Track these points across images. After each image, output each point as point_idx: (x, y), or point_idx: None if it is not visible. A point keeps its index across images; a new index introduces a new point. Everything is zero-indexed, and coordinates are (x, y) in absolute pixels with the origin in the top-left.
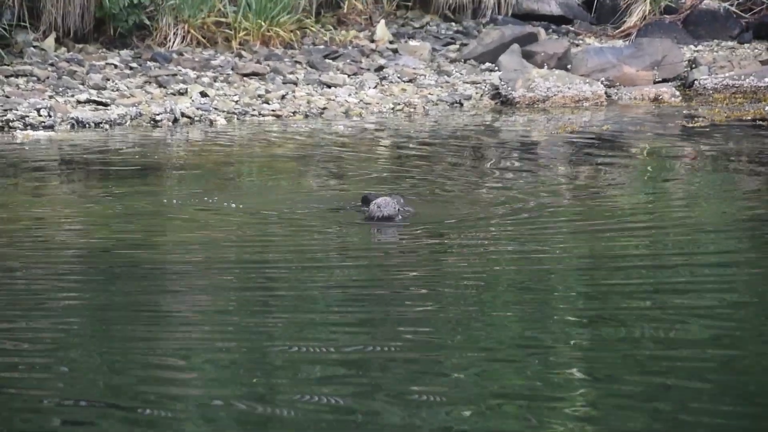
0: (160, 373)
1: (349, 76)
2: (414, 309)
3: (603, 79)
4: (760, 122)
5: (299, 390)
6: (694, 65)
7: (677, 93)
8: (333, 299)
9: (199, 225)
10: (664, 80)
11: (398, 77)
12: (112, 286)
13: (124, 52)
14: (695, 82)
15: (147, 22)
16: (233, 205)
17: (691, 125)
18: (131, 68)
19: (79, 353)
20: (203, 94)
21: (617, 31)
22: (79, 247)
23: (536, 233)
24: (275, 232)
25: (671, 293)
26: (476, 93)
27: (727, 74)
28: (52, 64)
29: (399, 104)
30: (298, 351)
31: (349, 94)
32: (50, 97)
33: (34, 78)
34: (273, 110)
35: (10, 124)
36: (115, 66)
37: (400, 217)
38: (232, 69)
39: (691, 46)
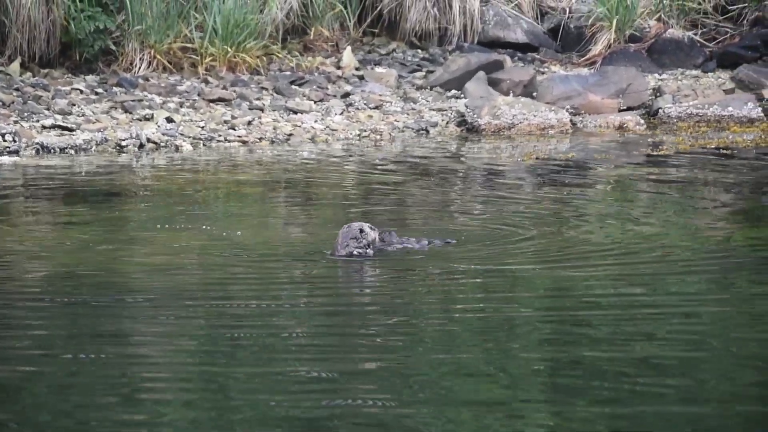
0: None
1: (315, 102)
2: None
3: (568, 106)
4: (724, 151)
5: None
6: (658, 94)
7: (642, 121)
8: (297, 329)
9: (164, 251)
10: (629, 108)
11: (364, 104)
12: (76, 314)
13: (90, 78)
14: (660, 110)
15: (113, 47)
16: (198, 231)
17: (655, 153)
18: (97, 93)
19: (38, 386)
20: (169, 120)
21: (582, 59)
22: (43, 273)
23: (500, 263)
24: (240, 259)
25: (635, 321)
26: (442, 120)
27: (691, 103)
28: (17, 89)
29: (365, 131)
30: (260, 396)
31: (316, 121)
32: (15, 122)
33: None
34: (239, 136)
35: None
36: (81, 91)
37: (364, 251)
38: (199, 95)
39: (656, 75)
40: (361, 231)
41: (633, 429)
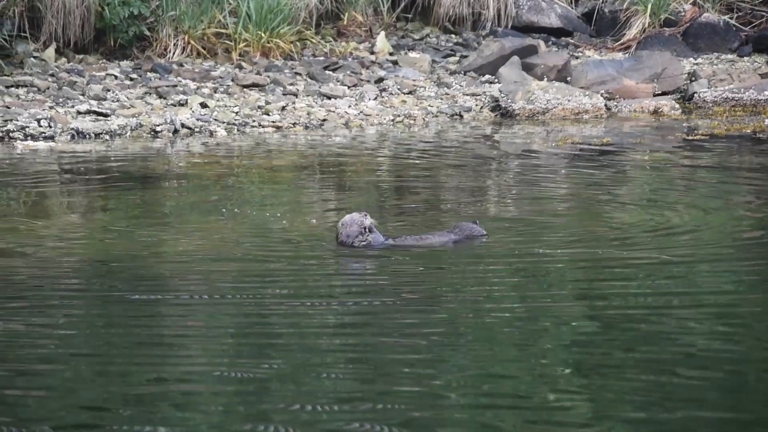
0: (158, 389)
1: (349, 87)
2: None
3: (603, 91)
4: (760, 135)
5: (297, 416)
6: (693, 78)
7: (677, 106)
8: (329, 313)
9: (198, 236)
10: (664, 93)
11: (398, 89)
12: (111, 298)
13: (125, 63)
14: (695, 95)
15: (147, 33)
16: (232, 216)
17: (690, 138)
18: (131, 79)
19: (76, 368)
20: (203, 105)
21: (617, 43)
22: (78, 258)
23: (534, 249)
24: (274, 245)
25: (672, 309)
26: (476, 105)
27: (726, 87)
28: (52, 75)
29: (399, 116)
30: (296, 366)
31: (349, 106)
32: (50, 107)
33: (35, 88)
34: (273, 121)
35: (11, 134)
36: (116, 77)
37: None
38: (232, 80)
39: (691, 59)
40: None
41: (669, 421)
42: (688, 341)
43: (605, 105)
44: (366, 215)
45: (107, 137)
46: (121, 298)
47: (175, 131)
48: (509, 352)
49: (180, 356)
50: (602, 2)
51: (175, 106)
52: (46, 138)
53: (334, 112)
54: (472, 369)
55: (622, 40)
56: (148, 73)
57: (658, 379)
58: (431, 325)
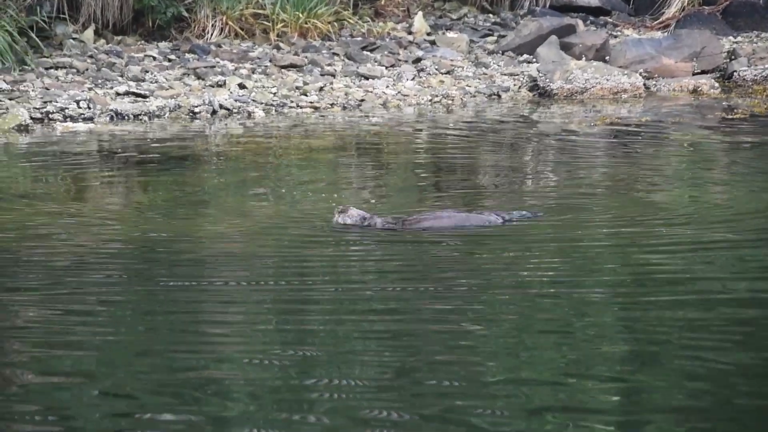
0: (194, 374)
1: (386, 68)
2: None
3: (641, 70)
4: None
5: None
6: (733, 57)
7: (716, 84)
8: (366, 296)
9: (237, 217)
10: (703, 72)
11: (436, 69)
12: (151, 278)
13: (163, 44)
14: (734, 73)
15: (185, 14)
16: (270, 197)
17: (730, 117)
18: (170, 60)
19: (116, 347)
20: (241, 86)
21: (656, 22)
22: (117, 240)
23: (574, 229)
24: (311, 226)
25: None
26: (514, 85)
27: (766, 65)
28: (91, 56)
29: (437, 96)
30: (334, 353)
31: (387, 86)
32: (89, 89)
33: (74, 70)
34: (311, 102)
35: (50, 116)
36: (154, 58)
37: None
38: (270, 61)
39: (730, 38)
40: (364, 218)
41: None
42: (731, 326)
43: (644, 84)
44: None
45: (146, 118)
46: (159, 280)
47: (214, 112)
48: (548, 338)
49: (216, 341)
50: None
51: (213, 87)
52: (85, 119)
53: (371, 92)
54: (510, 354)
55: (660, 19)
56: (187, 54)
57: (701, 366)
58: (470, 309)
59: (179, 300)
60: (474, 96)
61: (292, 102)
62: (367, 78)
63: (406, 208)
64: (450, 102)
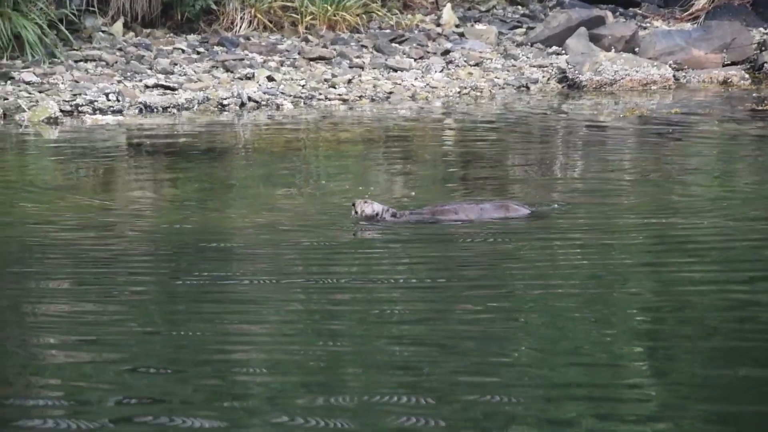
0: (219, 356)
1: (415, 60)
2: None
3: (671, 62)
4: None
5: (365, 380)
6: (763, 48)
7: (746, 76)
8: (394, 288)
9: (265, 209)
10: (733, 63)
11: (465, 61)
12: (179, 269)
13: (192, 37)
14: (765, 64)
15: (214, 6)
16: (299, 190)
17: (760, 108)
18: (198, 53)
19: (144, 337)
20: (270, 79)
21: (685, 13)
22: (147, 231)
23: (603, 220)
24: (341, 218)
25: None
26: (543, 77)
27: None
28: (120, 49)
29: (465, 88)
30: (364, 348)
31: (416, 78)
32: (118, 81)
33: (103, 63)
34: (339, 94)
35: (80, 108)
36: (183, 51)
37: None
38: (299, 53)
39: (761, 29)
40: (376, 213)
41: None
42: (764, 321)
43: (673, 75)
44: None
45: (174, 111)
46: (187, 273)
47: (242, 105)
48: (577, 330)
49: (243, 337)
50: None
51: (241, 79)
52: (114, 112)
53: (400, 84)
54: (539, 346)
55: (690, 10)
56: (215, 47)
57: (730, 359)
58: (499, 299)
59: (207, 295)
60: (503, 88)
61: (320, 94)
62: (395, 70)
63: (435, 200)
64: (478, 94)
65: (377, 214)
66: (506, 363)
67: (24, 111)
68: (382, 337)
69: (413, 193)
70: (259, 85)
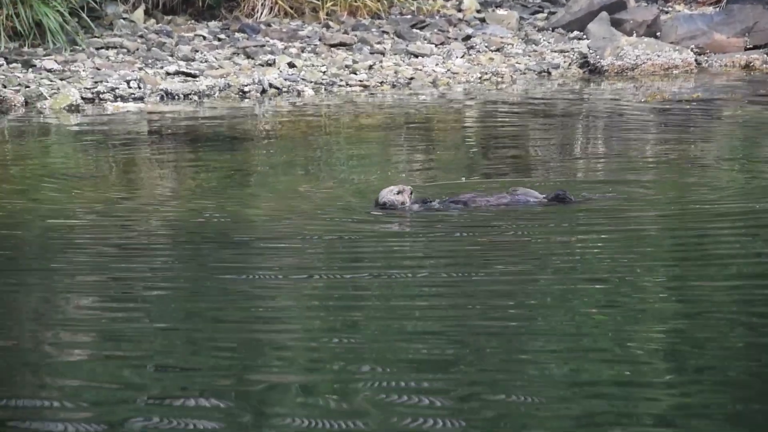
0: (242, 346)
1: (436, 45)
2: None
3: (693, 46)
4: None
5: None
6: None
7: None
8: (414, 279)
9: (289, 197)
10: (756, 47)
11: (486, 46)
12: (201, 257)
13: (213, 24)
14: None
15: None
16: (321, 177)
17: None
18: (219, 40)
19: (161, 323)
20: (291, 65)
21: None
22: (168, 218)
23: (625, 207)
24: (360, 205)
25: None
26: (564, 62)
27: None
28: (141, 36)
29: (486, 74)
30: (383, 345)
31: (437, 64)
32: (140, 68)
33: (124, 50)
34: (360, 80)
35: (101, 96)
36: (204, 37)
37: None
38: (320, 39)
39: None
40: (385, 204)
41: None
42: None
43: (695, 60)
44: (402, 190)
45: (196, 98)
46: (209, 263)
47: (263, 91)
48: (597, 322)
49: (264, 323)
50: None
51: (262, 66)
52: (135, 99)
53: (421, 70)
54: (558, 341)
55: None
56: (236, 34)
57: (755, 347)
58: (520, 291)
59: (229, 286)
60: (524, 73)
61: (341, 81)
62: (416, 56)
63: (458, 187)
64: (500, 79)
65: (399, 203)
66: (526, 361)
67: (45, 98)
68: (402, 332)
69: (434, 179)
70: (280, 71)
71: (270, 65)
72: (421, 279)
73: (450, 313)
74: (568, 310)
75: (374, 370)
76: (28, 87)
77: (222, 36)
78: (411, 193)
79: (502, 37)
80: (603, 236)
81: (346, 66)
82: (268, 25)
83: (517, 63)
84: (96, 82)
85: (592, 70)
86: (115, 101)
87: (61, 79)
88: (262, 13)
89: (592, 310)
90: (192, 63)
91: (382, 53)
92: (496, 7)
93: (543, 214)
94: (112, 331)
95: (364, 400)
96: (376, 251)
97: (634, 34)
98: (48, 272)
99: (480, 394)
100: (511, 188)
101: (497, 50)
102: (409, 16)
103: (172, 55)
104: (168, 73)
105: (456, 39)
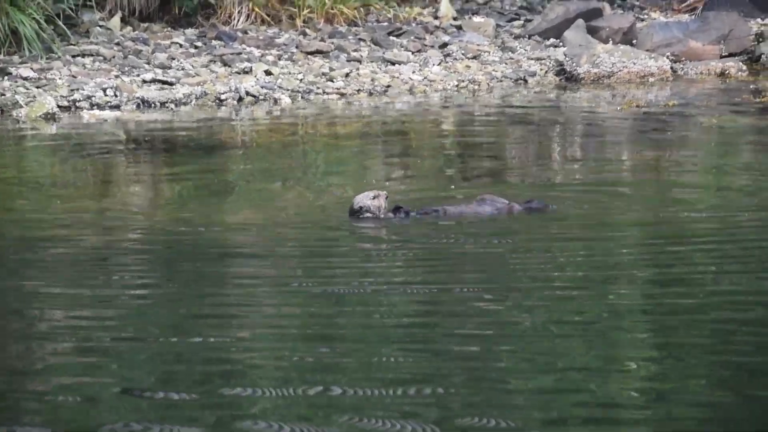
0: (218, 358)
1: (413, 53)
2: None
3: (668, 53)
4: None
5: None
6: (761, 39)
7: (744, 67)
8: (390, 289)
9: (263, 205)
10: (731, 54)
11: (462, 54)
12: (175, 265)
13: (189, 31)
14: (762, 56)
15: (212, 0)
16: (297, 185)
17: (758, 100)
18: (196, 47)
19: (137, 335)
20: (267, 73)
21: (683, 5)
22: (144, 226)
23: (601, 215)
24: (339, 214)
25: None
26: (541, 69)
27: None
28: (117, 44)
29: (463, 81)
30: (361, 346)
31: (413, 72)
32: (116, 76)
33: (101, 58)
34: (337, 88)
35: (77, 104)
36: (180, 45)
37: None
38: (297, 47)
39: (758, 20)
40: (361, 208)
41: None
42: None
43: (671, 67)
44: (377, 195)
45: (172, 106)
46: (185, 268)
47: (240, 99)
48: (580, 335)
49: (241, 335)
50: None
51: (239, 73)
52: (112, 107)
53: (398, 78)
54: (536, 343)
55: (688, 2)
56: (213, 41)
57: (730, 363)
58: (497, 299)
59: (204, 297)
60: (500, 81)
61: (318, 88)
62: (393, 63)
63: (434, 195)
64: (476, 87)
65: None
66: (507, 371)
67: (21, 107)
68: (381, 344)
69: (411, 188)
70: (257, 79)
71: (247, 73)
72: (396, 291)
73: (429, 325)
74: (546, 319)
75: (349, 387)
76: (4, 95)
77: (198, 43)
78: (386, 198)
79: (478, 45)
80: (577, 243)
81: (323, 74)
82: (245, 32)
83: (493, 71)
84: (72, 90)
85: (568, 78)
86: (92, 109)
87: (37, 87)
88: (238, 21)
89: (569, 324)
90: (168, 71)
91: (359, 61)
92: (473, 14)
93: (517, 223)
94: (85, 344)
95: (339, 417)
96: (351, 262)
97: (610, 42)
98: (21, 278)
99: (456, 417)
100: (479, 196)
101: (474, 58)
102: (385, 24)
103: (148, 63)
104: (144, 81)
105: (433, 46)
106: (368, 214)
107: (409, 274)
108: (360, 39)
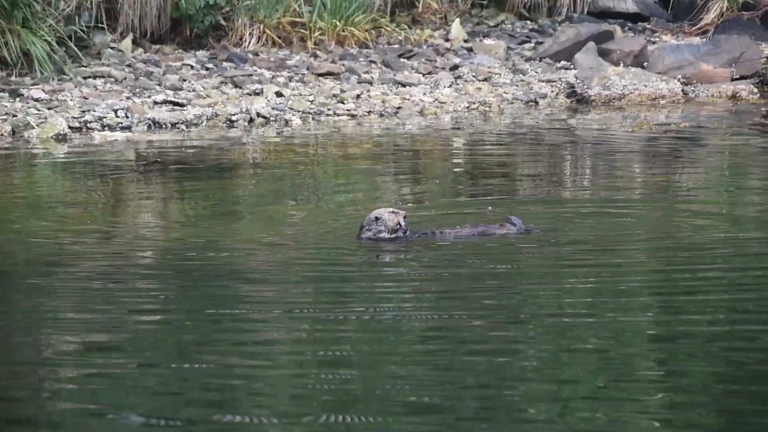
0: (226, 384)
1: (423, 75)
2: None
3: (680, 76)
4: None
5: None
6: None
7: (755, 90)
8: (401, 315)
9: (275, 226)
10: (742, 77)
11: (473, 76)
12: (186, 287)
13: (200, 53)
14: None
15: (223, 22)
16: (308, 206)
17: None
18: (207, 69)
19: (145, 357)
20: (278, 94)
21: (694, 28)
22: (154, 247)
23: (611, 237)
24: (350, 236)
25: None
26: (551, 91)
27: None
28: (129, 65)
29: (474, 103)
30: (372, 372)
31: (424, 93)
32: (127, 98)
33: (112, 79)
34: (348, 110)
35: (88, 125)
36: (192, 67)
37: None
38: (308, 69)
39: None
40: (377, 218)
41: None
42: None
43: (682, 90)
44: (396, 212)
45: (183, 127)
46: (195, 290)
47: (251, 120)
48: (584, 350)
49: (251, 361)
50: None
51: (250, 95)
52: (123, 128)
53: (408, 99)
54: (545, 369)
55: (699, 25)
56: (224, 63)
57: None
58: (507, 318)
59: (215, 318)
60: (511, 103)
61: (329, 110)
62: (404, 85)
63: (444, 216)
64: (487, 109)
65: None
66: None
67: (33, 128)
68: (390, 368)
69: (422, 209)
70: (268, 100)
71: (257, 94)
72: (407, 316)
73: (440, 351)
74: (554, 349)
75: (360, 411)
76: (16, 116)
77: (210, 65)
78: (404, 218)
79: (489, 67)
80: (585, 269)
81: (334, 95)
82: (256, 54)
83: (504, 92)
84: (83, 111)
85: (579, 100)
86: (103, 130)
87: (49, 108)
88: (249, 43)
89: (579, 348)
90: (180, 92)
91: (370, 82)
92: (484, 36)
93: (527, 245)
94: (95, 364)
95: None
96: (363, 284)
97: (621, 64)
98: (34, 303)
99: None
100: (505, 217)
101: (485, 80)
102: (396, 46)
103: (159, 84)
104: (155, 102)
105: (443, 68)
106: (380, 227)
107: (420, 300)
108: (371, 61)
